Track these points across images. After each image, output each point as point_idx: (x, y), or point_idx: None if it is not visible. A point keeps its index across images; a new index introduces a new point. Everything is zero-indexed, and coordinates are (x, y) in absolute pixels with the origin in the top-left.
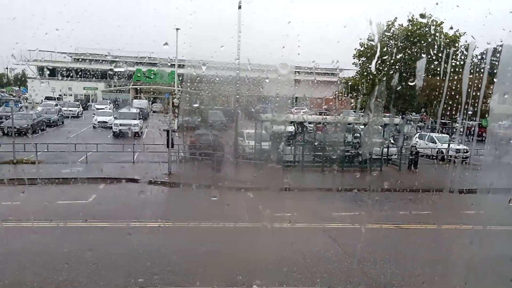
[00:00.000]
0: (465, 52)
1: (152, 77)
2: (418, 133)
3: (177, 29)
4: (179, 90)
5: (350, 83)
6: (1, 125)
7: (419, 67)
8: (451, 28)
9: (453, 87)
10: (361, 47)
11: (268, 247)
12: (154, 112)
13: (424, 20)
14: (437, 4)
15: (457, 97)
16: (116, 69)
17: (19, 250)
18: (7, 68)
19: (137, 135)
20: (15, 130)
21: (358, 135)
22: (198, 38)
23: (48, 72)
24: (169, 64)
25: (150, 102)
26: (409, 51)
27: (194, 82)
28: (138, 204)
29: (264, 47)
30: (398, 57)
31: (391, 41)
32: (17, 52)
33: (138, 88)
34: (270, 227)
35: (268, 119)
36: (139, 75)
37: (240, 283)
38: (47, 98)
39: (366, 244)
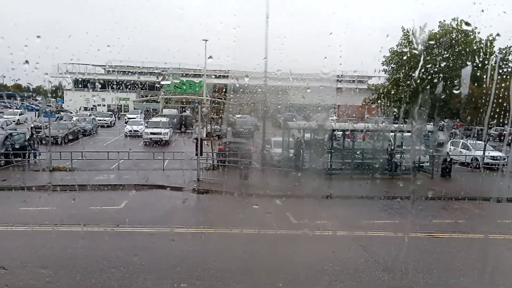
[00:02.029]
0: (499, 56)
1: (181, 87)
2: (452, 140)
3: (205, 40)
4: (208, 99)
5: (380, 90)
6: (39, 134)
7: (456, 74)
8: (493, 36)
9: (489, 93)
10: (391, 53)
11: (298, 254)
12: None
13: (469, 28)
14: (482, 11)
15: (492, 102)
16: (146, 79)
17: (63, 254)
18: (45, 80)
19: (167, 143)
20: (52, 139)
21: (389, 142)
22: (241, 50)
23: (82, 84)
24: (211, 75)
25: (180, 111)
26: (441, 57)
27: (238, 92)
28: (167, 210)
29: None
30: (430, 63)
31: (421, 46)
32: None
33: (168, 98)
34: (300, 234)
35: (296, 126)
36: (168, 85)
37: None
38: (82, 108)
39: (398, 253)
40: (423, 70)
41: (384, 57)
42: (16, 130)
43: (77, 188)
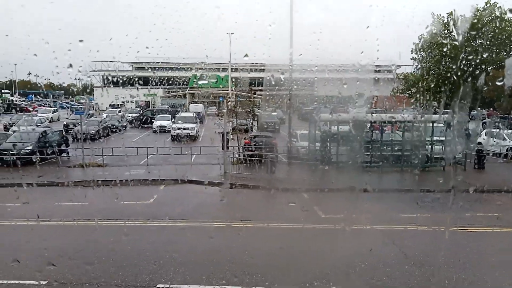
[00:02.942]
0: None
1: (207, 82)
2: (485, 130)
3: (231, 33)
4: (233, 93)
5: (410, 80)
6: (72, 131)
7: (491, 61)
8: None
9: None
10: (421, 41)
11: (327, 249)
12: (209, 115)
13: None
14: None
15: None
16: (173, 75)
17: (96, 248)
18: (76, 78)
19: (194, 138)
20: (84, 135)
21: (418, 133)
22: (277, 46)
23: (112, 81)
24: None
25: (206, 106)
26: (473, 43)
27: (265, 85)
28: (195, 205)
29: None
30: (461, 50)
31: (452, 33)
32: (85, 63)
33: (194, 93)
34: (328, 229)
35: (322, 118)
36: (195, 80)
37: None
38: (111, 105)
39: (428, 247)
40: (456, 58)
41: (413, 44)
42: (49, 127)
43: (108, 184)
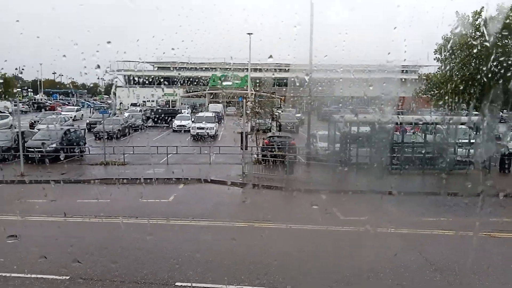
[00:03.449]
0: None
1: (226, 82)
2: None
3: (250, 34)
4: (252, 93)
5: (435, 81)
6: (94, 130)
7: None
8: None
9: None
10: (444, 40)
11: (347, 251)
12: (228, 115)
13: None
14: None
15: None
16: (193, 75)
17: (116, 245)
18: (98, 78)
19: (213, 137)
20: (106, 134)
21: (441, 135)
22: (302, 47)
23: (134, 81)
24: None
25: (225, 106)
26: (504, 43)
27: (285, 86)
28: (213, 204)
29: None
30: (492, 50)
31: (477, 32)
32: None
33: (214, 93)
34: (348, 231)
35: (342, 119)
36: (214, 80)
37: None
38: (133, 104)
39: (451, 252)
40: (485, 59)
41: (436, 44)
42: (73, 126)
43: (129, 182)
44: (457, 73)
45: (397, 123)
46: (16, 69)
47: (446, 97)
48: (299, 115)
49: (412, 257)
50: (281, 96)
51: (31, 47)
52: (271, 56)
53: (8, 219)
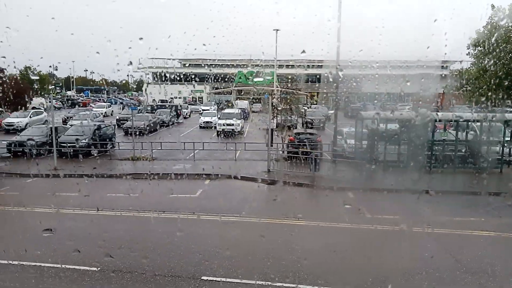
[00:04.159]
0: None
1: (252, 78)
2: None
3: (276, 30)
4: (278, 90)
5: (467, 76)
6: (123, 126)
7: None
8: None
9: None
10: (478, 35)
11: (374, 250)
12: (254, 112)
13: None
14: None
15: None
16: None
17: (145, 239)
18: (128, 75)
19: (238, 134)
20: (134, 130)
21: (474, 133)
22: (335, 42)
23: (162, 77)
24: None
25: (251, 103)
26: None
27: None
28: (239, 200)
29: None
30: None
31: None
32: (136, 60)
33: (240, 90)
34: (374, 229)
35: (369, 116)
36: (240, 77)
37: None
38: (162, 101)
39: (482, 253)
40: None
41: (469, 39)
42: (103, 122)
43: (157, 177)
44: (493, 68)
45: (435, 120)
46: (50, 66)
47: (481, 94)
48: (332, 111)
49: (441, 257)
50: (313, 92)
51: (65, 44)
52: (304, 51)
53: (43, 211)
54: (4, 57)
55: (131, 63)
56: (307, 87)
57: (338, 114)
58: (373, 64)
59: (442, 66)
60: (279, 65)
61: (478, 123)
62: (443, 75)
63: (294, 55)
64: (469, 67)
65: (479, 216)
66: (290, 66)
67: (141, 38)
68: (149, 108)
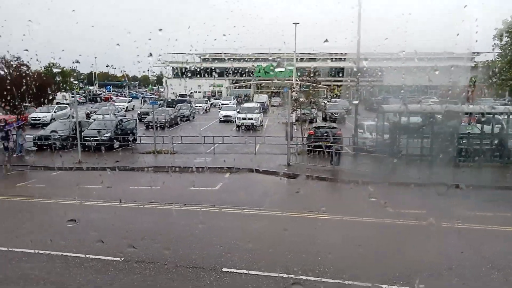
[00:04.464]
0: None
1: (271, 72)
2: None
3: (295, 23)
4: (298, 83)
5: (493, 68)
6: (144, 120)
7: None
8: None
9: None
10: (505, 25)
11: (395, 244)
12: (273, 105)
13: None
14: None
15: None
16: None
17: (166, 230)
18: (148, 70)
19: (258, 128)
20: (155, 124)
21: (500, 126)
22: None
23: (181, 72)
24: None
25: (270, 97)
26: None
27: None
28: (259, 194)
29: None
30: None
31: None
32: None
33: (259, 83)
34: (397, 224)
35: (392, 109)
36: (260, 71)
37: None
38: (181, 95)
39: (510, 249)
40: None
41: (495, 29)
42: (125, 116)
43: (177, 170)
44: None
45: (466, 113)
46: (73, 62)
47: (508, 86)
48: (356, 102)
49: (466, 252)
50: (335, 86)
51: (86, 37)
52: (326, 40)
53: (68, 203)
54: (26, 50)
55: (151, 54)
56: (328, 80)
57: (359, 107)
58: (398, 55)
59: (470, 57)
60: (300, 58)
61: (505, 116)
62: (470, 67)
63: (315, 48)
64: (495, 59)
65: (506, 211)
66: (311, 59)
67: (160, 30)
68: (169, 102)
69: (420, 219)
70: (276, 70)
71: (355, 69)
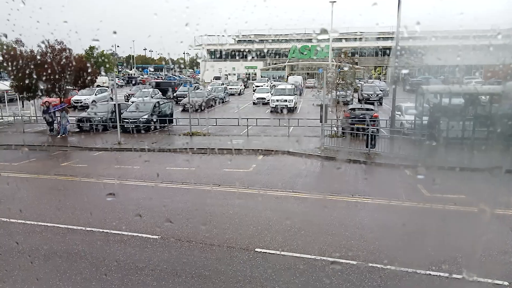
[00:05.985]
0: None
1: (306, 53)
2: None
3: (332, 2)
4: (333, 64)
5: None
6: (180, 102)
7: None
8: None
9: None
10: None
11: (434, 229)
12: (308, 87)
13: None
14: None
15: None
16: (273, 47)
17: (202, 210)
18: (184, 52)
19: (292, 110)
20: (191, 106)
21: None
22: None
23: (215, 54)
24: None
25: (305, 78)
26: None
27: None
28: (291, 176)
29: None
30: None
31: None
32: (191, 38)
33: (294, 65)
34: (433, 208)
35: (432, 90)
36: (294, 52)
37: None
38: (215, 78)
39: None
40: None
41: None
42: (162, 99)
43: (212, 152)
44: None
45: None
46: (112, 46)
47: None
48: (378, 85)
49: (508, 239)
50: (373, 66)
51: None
52: (375, 3)
53: (108, 182)
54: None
55: (181, 42)
56: (367, 61)
57: (398, 88)
58: (438, 34)
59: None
60: (338, 38)
61: None
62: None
63: (350, 27)
64: None
65: None
66: (349, 39)
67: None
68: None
69: (457, 204)
70: (319, 37)
71: (398, 47)
